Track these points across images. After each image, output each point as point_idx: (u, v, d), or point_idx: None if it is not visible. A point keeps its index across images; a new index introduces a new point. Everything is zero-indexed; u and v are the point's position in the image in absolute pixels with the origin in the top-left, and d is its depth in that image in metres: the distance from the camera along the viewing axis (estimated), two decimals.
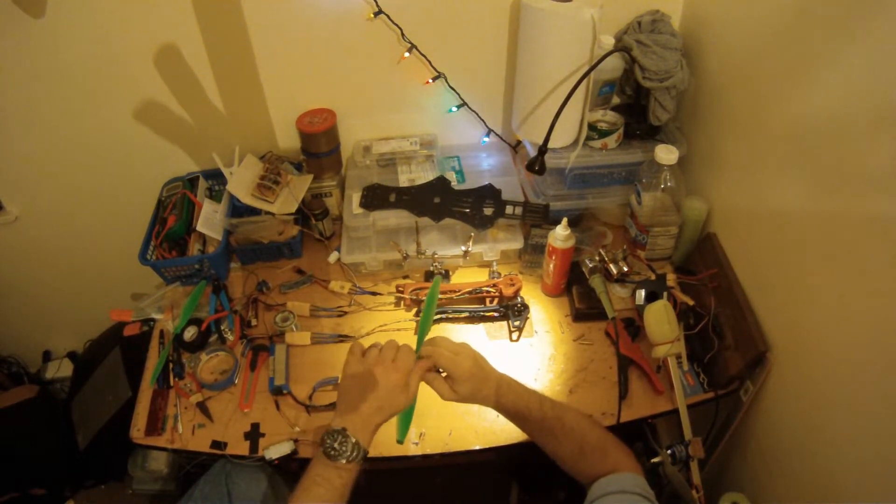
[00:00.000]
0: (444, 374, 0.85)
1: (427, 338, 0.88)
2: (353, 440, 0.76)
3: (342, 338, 1.12)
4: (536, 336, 1.12)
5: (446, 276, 1.21)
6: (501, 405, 0.86)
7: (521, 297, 1.14)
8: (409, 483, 1.36)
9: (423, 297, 1.13)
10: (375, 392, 0.80)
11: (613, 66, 1.13)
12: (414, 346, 0.86)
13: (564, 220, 1.06)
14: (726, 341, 1.01)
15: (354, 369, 0.82)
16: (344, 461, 0.75)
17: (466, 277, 1.21)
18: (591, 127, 1.16)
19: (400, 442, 0.86)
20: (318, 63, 1.20)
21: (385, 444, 0.96)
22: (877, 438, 0.75)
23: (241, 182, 1.21)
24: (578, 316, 1.14)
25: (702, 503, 0.89)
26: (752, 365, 0.97)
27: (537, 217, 1.18)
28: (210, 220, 1.19)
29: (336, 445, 0.76)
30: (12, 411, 1.47)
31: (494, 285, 1.15)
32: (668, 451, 0.91)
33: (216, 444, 0.98)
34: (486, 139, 1.35)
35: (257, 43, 1.15)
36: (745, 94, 1.00)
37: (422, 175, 1.27)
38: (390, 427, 0.97)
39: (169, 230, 1.19)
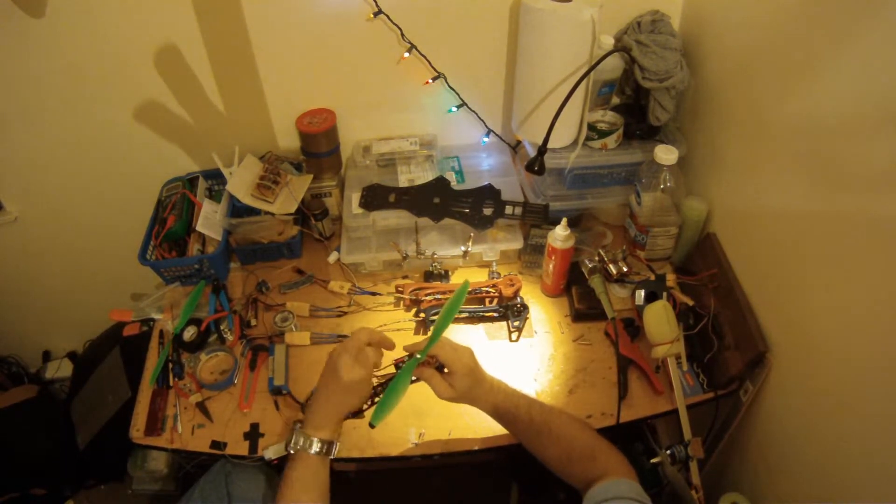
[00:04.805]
0: (444, 371, 0.85)
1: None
2: (302, 432, 0.82)
3: (342, 338, 1.12)
4: (536, 336, 1.12)
5: (446, 276, 1.21)
6: (492, 406, 0.87)
7: (521, 298, 1.14)
8: (409, 483, 1.36)
9: (423, 297, 1.13)
10: (323, 379, 0.85)
11: (613, 66, 1.13)
12: (411, 345, 0.88)
13: (564, 221, 1.06)
14: (726, 341, 1.01)
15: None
16: (292, 451, 0.81)
17: (466, 278, 1.20)
18: (591, 127, 1.16)
19: (371, 426, 0.80)
20: (318, 63, 1.20)
21: (385, 443, 0.96)
22: (877, 438, 0.75)
23: (241, 182, 1.21)
24: (578, 316, 1.14)
25: (701, 503, 0.89)
26: (751, 365, 0.97)
27: (537, 217, 1.18)
28: (210, 220, 1.19)
29: (291, 437, 0.82)
30: (12, 411, 1.47)
31: (494, 285, 1.15)
32: (668, 452, 0.91)
33: (216, 444, 0.98)
34: (486, 139, 1.35)
35: (257, 43, 1.15)
36: (745, 94, 1.00)
37: (421, 175, 1.27)
38: (392, 428, 0.97)
39: (169, 230, 1.19)
